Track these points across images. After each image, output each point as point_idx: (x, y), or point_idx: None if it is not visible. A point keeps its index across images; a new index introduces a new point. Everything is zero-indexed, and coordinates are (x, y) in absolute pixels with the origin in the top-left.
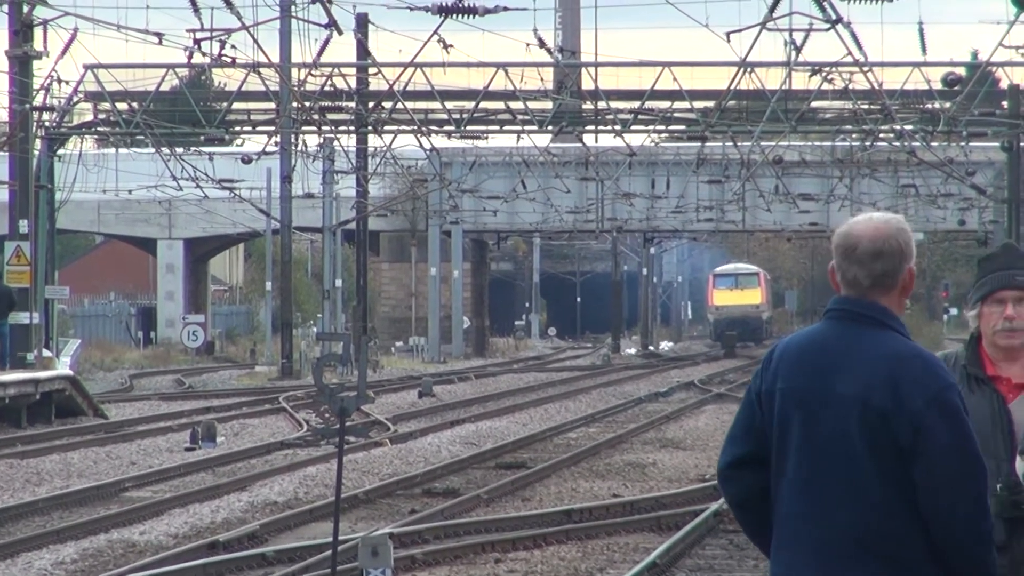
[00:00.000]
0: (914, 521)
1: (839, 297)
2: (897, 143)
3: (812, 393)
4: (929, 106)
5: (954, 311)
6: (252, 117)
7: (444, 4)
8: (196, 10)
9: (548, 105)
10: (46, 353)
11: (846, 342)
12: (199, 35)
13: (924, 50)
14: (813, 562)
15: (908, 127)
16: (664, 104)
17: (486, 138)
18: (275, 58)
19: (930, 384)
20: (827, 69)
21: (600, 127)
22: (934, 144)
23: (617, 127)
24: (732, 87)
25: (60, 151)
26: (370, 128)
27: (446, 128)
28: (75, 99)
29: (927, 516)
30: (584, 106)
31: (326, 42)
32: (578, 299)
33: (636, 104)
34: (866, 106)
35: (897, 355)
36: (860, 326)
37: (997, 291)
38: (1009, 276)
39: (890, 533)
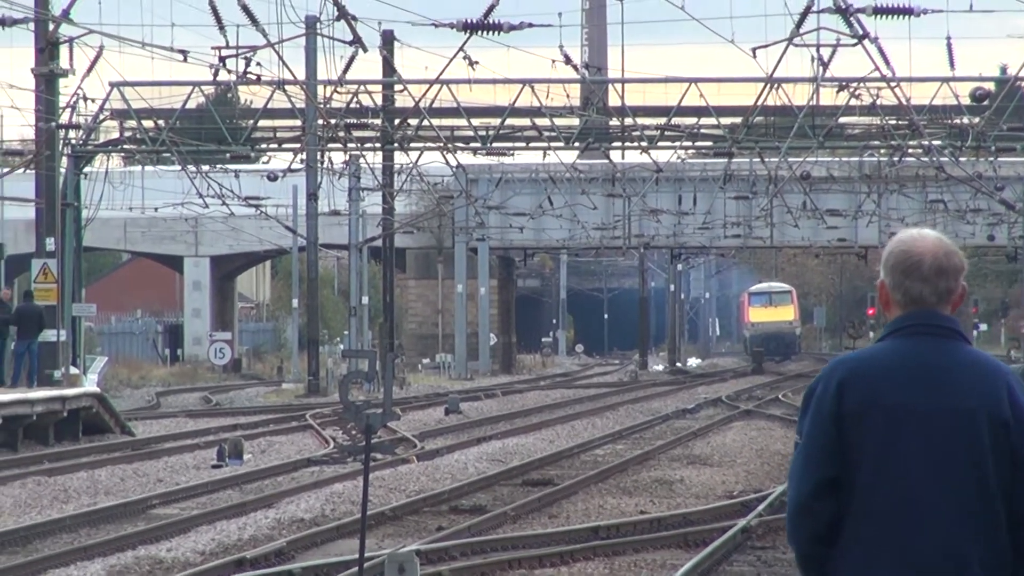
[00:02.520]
0: (1005, 539)
1: (915, 312)
2: (925, 158)
3: (931, 407)
4: (957, 121)
5: (984, 327)
6: (278, 134)
7: (469, 21)
8: (221, 27)
9: (574, 121)
10: (73, 370)
11: (945, 356)
12: (224, 52)
13: (952, 65)
14: None
15: (936, 142)
16: (691, 120)
17: (512, 155)
18: (300, 75)
19: None
20: (854, 85)
21: (627, 143)
22: (962, 159)
23: (644, 143)
24: (759, 103)
25: (86, 169)
26: (396, 145)
27: (472, 145)
28: (101, 117)
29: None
30: (611, 122)
31: (351, 59)
32: (605, 316)
33: (663, 120)
34: (894, 122)
35: (997, 367)
36: (943, 340)
37: None
38: None
39: (1003, 551)
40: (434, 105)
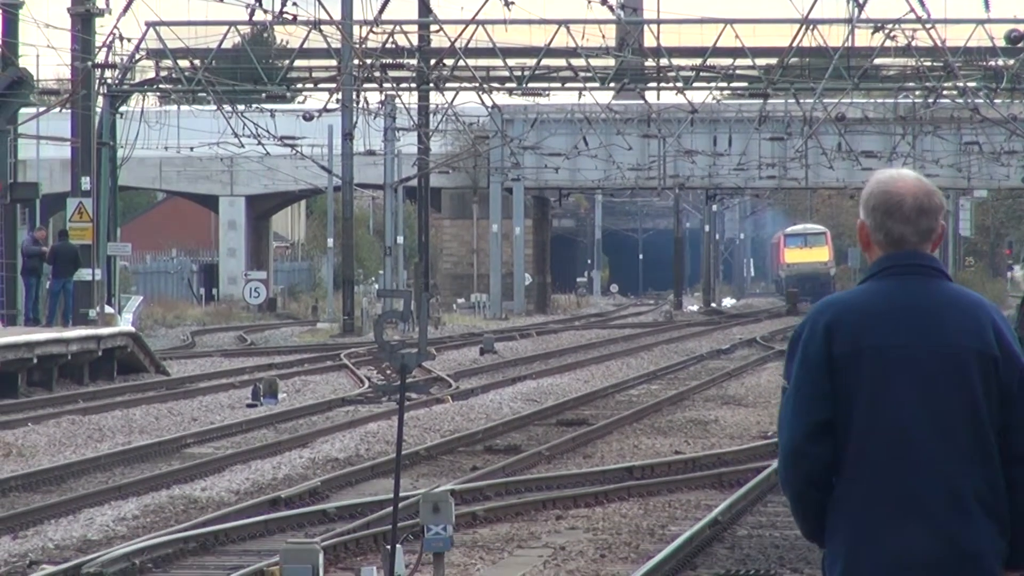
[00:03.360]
0: (1001, 474)
1: (899, 253)
2: (960, 100)
3: (921, 348)
4: (992, 63)
5: (1018, 268)
6: (314, 74)
7: None
8: None
9: (610, 62)
10: (108, 310)
11: (931, 295)
12: None
13: (987, 7)
14: (916, 521)
15: (971, 84)
16: (726, 61)
17: (548, 95)
18: (336, 15)
19: (1012, 330)
20: (890, 26)
21: (662, 84)
22: (997, 101)
23: (679, 84)
24: (794, 44)
25: (122, 108)
26: (431, 85)
27: (507, 85)
28: (137, 56)
29: (1017, 459)
30: (646, 63)
31: None
32: (640, 256)
33: (698, 61)
34: (929, 63)
35: (981, 304)
36: (928, 279)
37: None
38: None
39: (999, 486)
40: (470, 45)
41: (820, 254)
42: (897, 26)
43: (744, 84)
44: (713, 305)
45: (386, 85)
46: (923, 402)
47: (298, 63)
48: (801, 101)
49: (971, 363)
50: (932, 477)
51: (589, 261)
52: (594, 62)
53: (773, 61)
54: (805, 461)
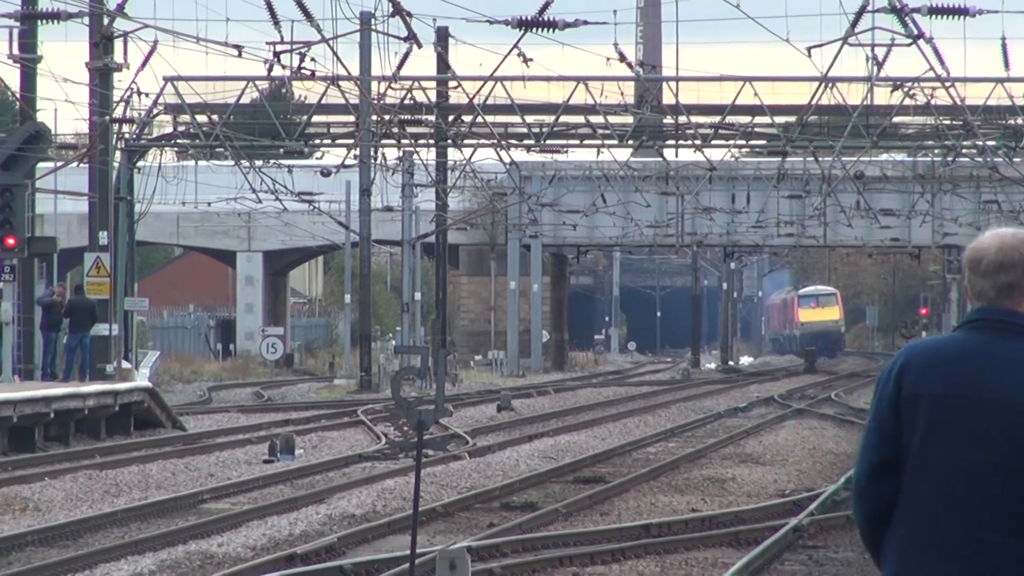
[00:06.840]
0: None
1: (980, 307)
2: (979, 159)
3: (975, 399)
4: (1011, 122)
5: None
6: (332, 130)
7: (524, 18)
8: (276, 23)
9: (628, 119)
10: (125, 365)
11: (1000, 349)
12: (279, 48)
13: (1007, 66)
14: (947, 567)
15: (990, 143)
16: (745, 119)
17: (566, 152)
18: (355, 71)
19: None
20: (909, 84)
21: (680, 141)
22: (1016, 160)
23: (698, 142)
24: (813, 102)
25: (140, 163)
26: (450, 141)
27: (526, 142)
28: (155, 111)
29: None
30: (665, 120)
31: (406, 55)
32: (658, 313)
33: (717, 119)
34: (948, 122)
35: None
36: (1004, 334)
37: None
38: None
39: None
40: (488, 102)
41: (831, 313)
42: (916, 84)
43: (763, 142)
44: (731, 363)
45: (404, 141)
46: (966, 452)
47: (316, 119)
48: (820, 159)
49: (1019, 418)
50: (963, 528)
51: (607, 318)
52: (613, 119)
53: (792, 119)
54: (866, 498)
